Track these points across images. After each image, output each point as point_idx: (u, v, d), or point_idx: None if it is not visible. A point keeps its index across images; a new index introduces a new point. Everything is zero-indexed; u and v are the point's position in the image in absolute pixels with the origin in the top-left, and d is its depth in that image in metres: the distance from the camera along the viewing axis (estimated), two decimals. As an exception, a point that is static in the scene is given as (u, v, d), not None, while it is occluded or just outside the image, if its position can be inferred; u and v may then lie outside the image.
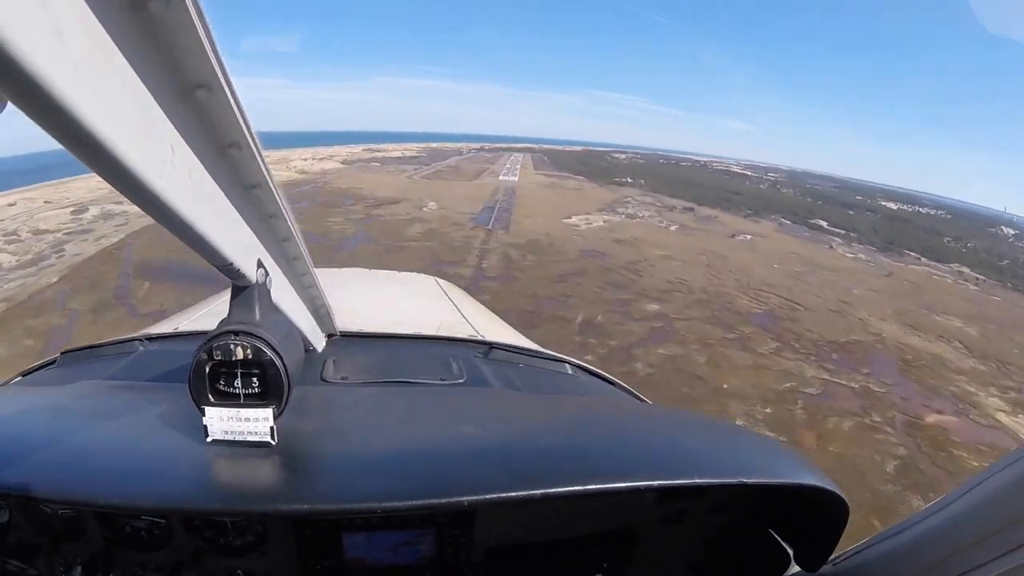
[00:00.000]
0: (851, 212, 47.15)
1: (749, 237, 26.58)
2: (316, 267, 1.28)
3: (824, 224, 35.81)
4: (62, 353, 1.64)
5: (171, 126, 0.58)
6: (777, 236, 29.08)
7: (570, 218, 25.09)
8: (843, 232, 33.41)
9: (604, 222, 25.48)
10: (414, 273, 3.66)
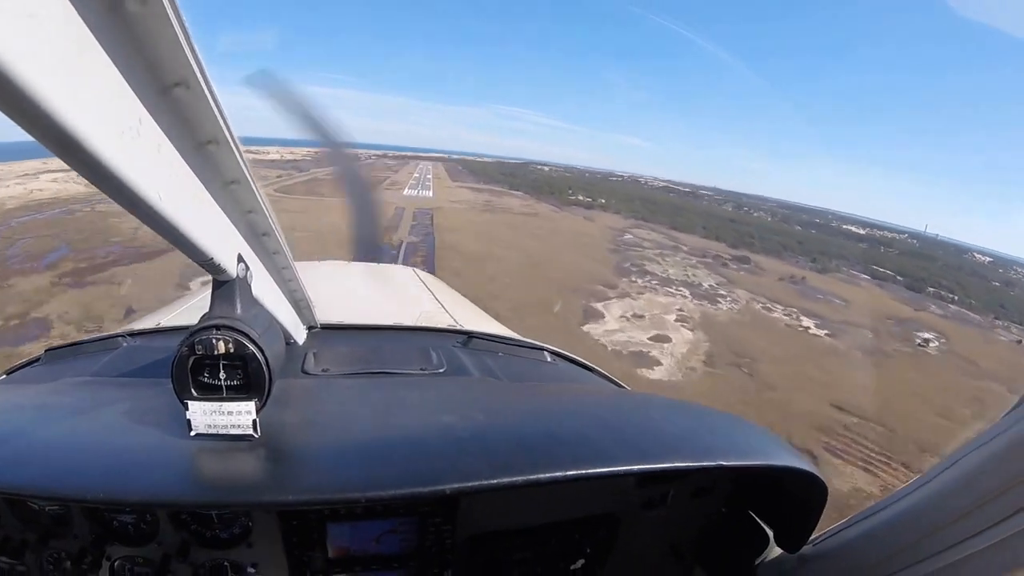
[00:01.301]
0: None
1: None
2: (296, 260, 1.28)
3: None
4: (46, 351, 1.63)
5: (151, 124, 0.59)
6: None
7: (604, 322, 15.38)
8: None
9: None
10: (393, 264, 3.65)
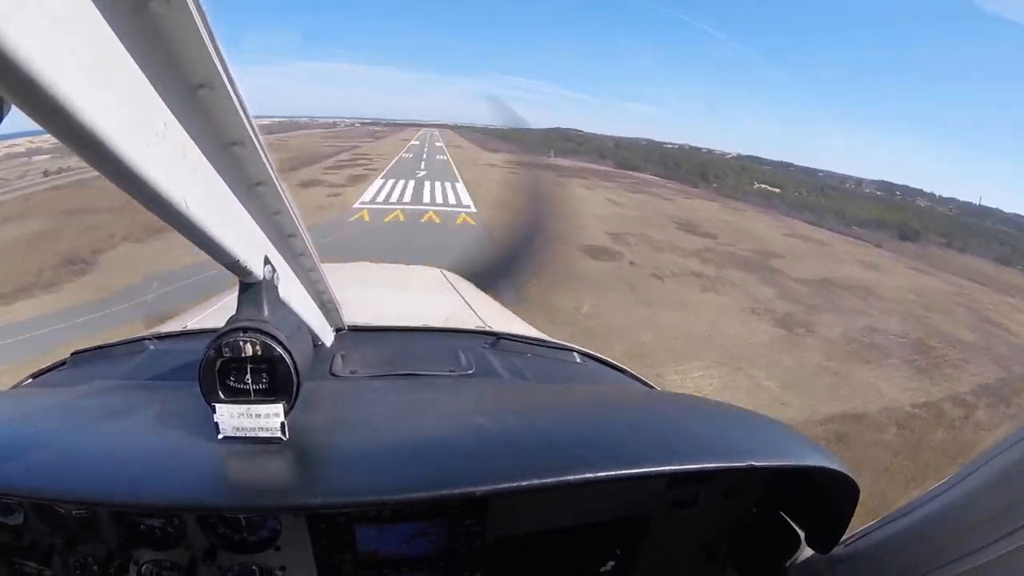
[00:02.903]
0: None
1: None
2: (322, 262, 1.28)
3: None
4: (72, 354, 1.65)
5: (176, 126, 0.59)
6: None
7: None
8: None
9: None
10: (420, 266, 3.66)
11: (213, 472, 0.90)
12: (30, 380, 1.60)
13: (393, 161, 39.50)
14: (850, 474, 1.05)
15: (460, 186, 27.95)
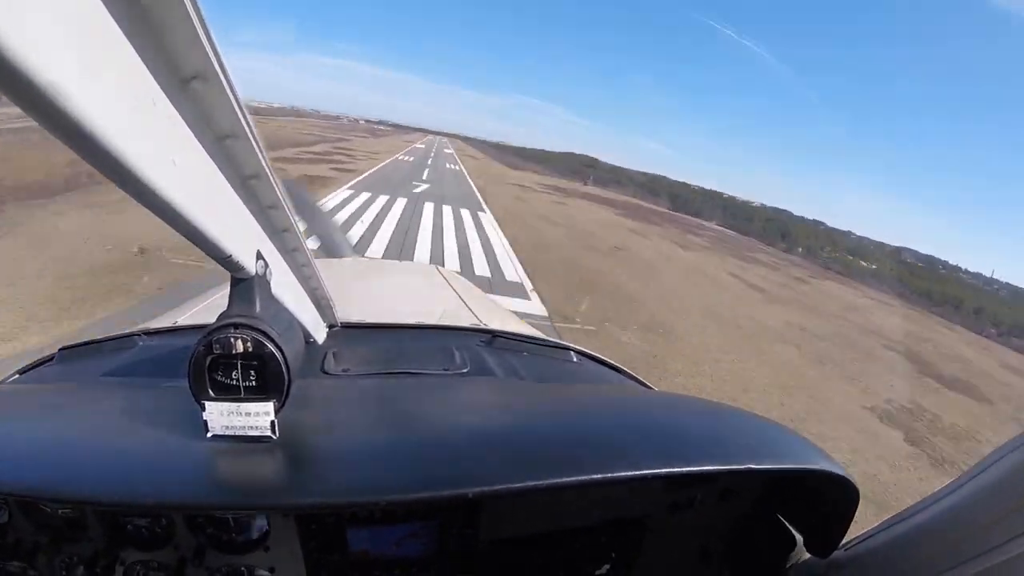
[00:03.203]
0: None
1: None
2: (316, 258, 1.26)
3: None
4: (60, 350, 1.63)
5: (166, 118, 0.57)
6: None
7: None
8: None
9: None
10: (415, 262, 3.66)
11: (201, 471, 0.88)
12: (16, 375, 1.58)
13: (382, 164, 30.41)
14: (850, 478, 1.05)
15: (488, 221, 17.70)
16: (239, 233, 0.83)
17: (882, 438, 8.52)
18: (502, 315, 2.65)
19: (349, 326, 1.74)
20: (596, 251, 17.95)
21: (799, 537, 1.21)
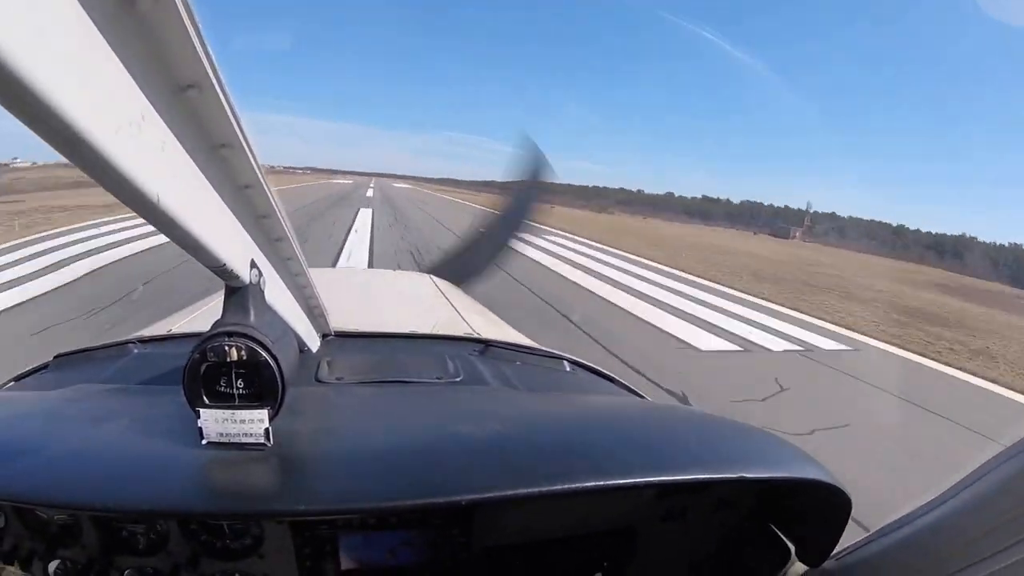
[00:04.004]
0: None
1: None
2: (310, 267, 1.27)
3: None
4: (55, 357, 1.63)
5: (163, 127, 0.58)
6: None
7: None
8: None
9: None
10: (408, 272, 3.67)
11: (196, 478, 0.89)
12: (11, 383, 1.57)
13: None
14: (843, 487, 1.05)
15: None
16: (233, 242, 0.84)
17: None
18: (495, 325, 2.66)
19: (343, 335, 1.75)
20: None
21: (791, 547, 1.21)
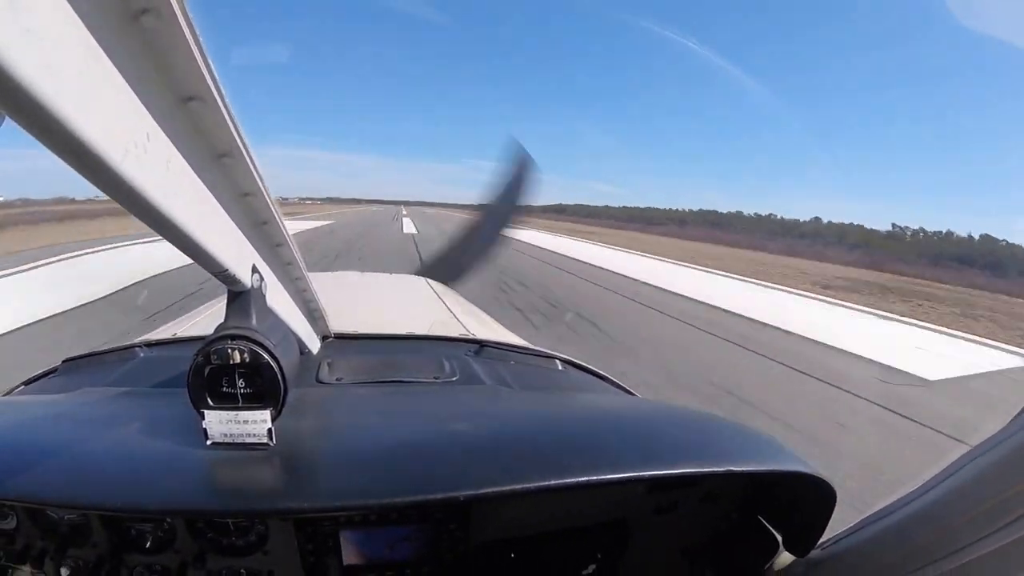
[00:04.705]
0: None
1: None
2: (309, 271, 1.30)
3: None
4: (63, 361, 1.66)
5: (165, 137, 0.60)
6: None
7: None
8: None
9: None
10: (404, 275, 3.69)
11: (202, 477, 0.92)
12: (22, 387, 1.60)
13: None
14: (826, 479, 1.09)
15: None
16: (235, 248, 0.87)
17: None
18: (490, 325, 2.69)
19: (342, 337, 1.78)
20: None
21: (779, 537, 1.24)
